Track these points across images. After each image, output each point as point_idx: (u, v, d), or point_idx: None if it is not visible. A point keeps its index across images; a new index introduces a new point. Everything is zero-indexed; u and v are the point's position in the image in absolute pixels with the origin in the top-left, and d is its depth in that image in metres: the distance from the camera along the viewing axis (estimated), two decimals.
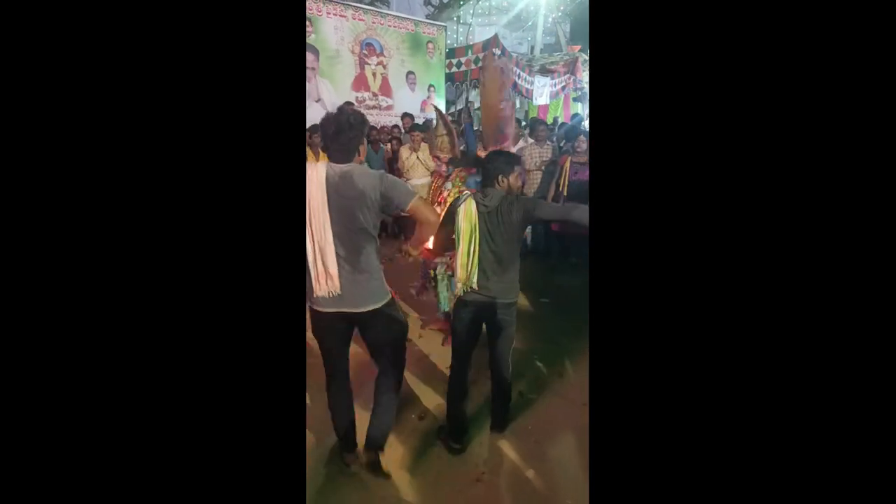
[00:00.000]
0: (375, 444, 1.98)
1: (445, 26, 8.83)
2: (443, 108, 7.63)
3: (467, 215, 2.00)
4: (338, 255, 1.67)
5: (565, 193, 4.26)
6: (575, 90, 9.65)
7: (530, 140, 5.00)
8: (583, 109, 9.30)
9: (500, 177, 2.01)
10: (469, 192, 2.09)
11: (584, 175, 4.16)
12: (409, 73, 8.03)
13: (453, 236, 2.06)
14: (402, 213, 1.74)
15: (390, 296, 1.86)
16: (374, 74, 7.51)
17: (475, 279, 2.00)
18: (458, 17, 13.24)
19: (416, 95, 8.12)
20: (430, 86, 8.38)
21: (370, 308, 1.77)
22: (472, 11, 13.77)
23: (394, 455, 2.12)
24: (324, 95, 6.77)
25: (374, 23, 7.36)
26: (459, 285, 2.03)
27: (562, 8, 13.77)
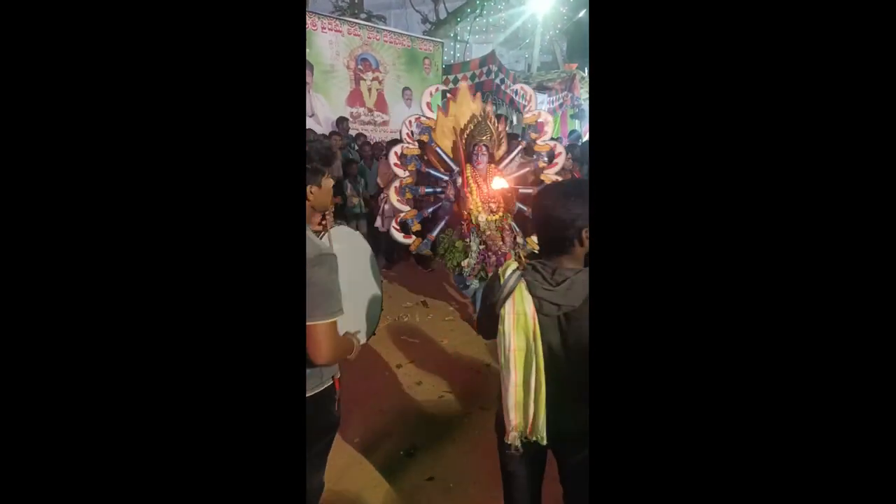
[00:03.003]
0: None
1: (442, 43, 8.80)
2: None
3: (520, 325, 1.10)
4: None
5: None
6: (572, 107, 9.66)
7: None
8: (580, 126, 9.27)
9: (584, 231, 1.10)
10: (518, 269, 1.16)
11: None
12: (406, 88, 7.97)
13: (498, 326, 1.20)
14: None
15: (329, 384, 1.42)
16: (369, 90, 7.44)
17: (543, 431, 1.14)
18: (455, 35, 13.25)
19: (412, 111, 8.05)
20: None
21: None
22: (469, 29, 13.80)
23: (378, 494, 1.98)
24: (317, 110, 6.70)
25: (369, 38, 7.32)
26: (513, 434, 1.16)
27: (559, 26, 13.84)
